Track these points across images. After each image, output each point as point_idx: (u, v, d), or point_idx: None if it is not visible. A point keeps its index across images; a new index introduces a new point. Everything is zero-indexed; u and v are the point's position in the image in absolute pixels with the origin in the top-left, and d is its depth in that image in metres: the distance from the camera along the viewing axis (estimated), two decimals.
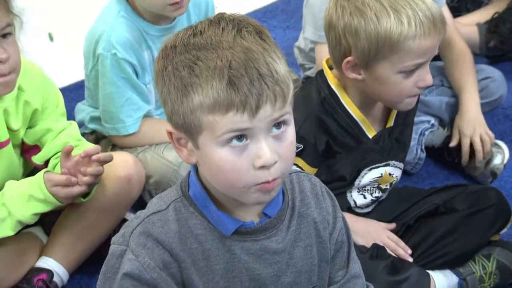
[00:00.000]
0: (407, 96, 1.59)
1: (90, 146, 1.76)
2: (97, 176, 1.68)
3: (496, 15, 2.49)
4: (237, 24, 1.09)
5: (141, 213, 1.19)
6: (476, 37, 2.44)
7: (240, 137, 1.07)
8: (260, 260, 1.20)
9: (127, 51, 1.94)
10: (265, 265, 1.21)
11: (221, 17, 1.11)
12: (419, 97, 1.80)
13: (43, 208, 1.68)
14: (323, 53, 1.87)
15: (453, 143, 2.16)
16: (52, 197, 1.65)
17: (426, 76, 1.56)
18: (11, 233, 1.68)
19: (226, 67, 1.04)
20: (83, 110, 2.16)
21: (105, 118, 2.03)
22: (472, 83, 2.18)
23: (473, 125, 2.13)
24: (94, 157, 1.66)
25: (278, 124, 1.09)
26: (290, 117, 1.11)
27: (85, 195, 1.74)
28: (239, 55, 1.05)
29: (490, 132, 2.14)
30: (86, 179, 1.66)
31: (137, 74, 1.99)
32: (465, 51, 2.23)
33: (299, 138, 1.61)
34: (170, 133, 1.14)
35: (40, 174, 1.67)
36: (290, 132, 1.11)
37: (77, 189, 1.66)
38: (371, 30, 1.52)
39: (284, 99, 1.08)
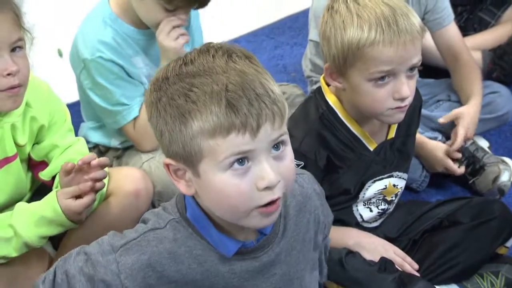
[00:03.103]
0: (386, 108, 1.58)
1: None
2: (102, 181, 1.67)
3: (500, 46, 2.48)
4: (226, 50, 1.10)
5: (140, 227, 1.19)
6: (479, 64, 2.43)
7: (242, 160, 1.07)
8: (259, 276, 1.21)
9: (113, 53, 1.94)
10: (264, 280, 1.22)
11: (209, 46, 1.12)
12: (419, 110, 1.80)
13: (50, 231, 1.67)
14: None
15: (443, 120, 2.16)
16: (63, 216, 1.64)
17: (401, 88, 1.55)
18: (14, 254, 1.67)
19: (223, 90, 1.05)
20: (83, 126, 2.18)
21: (104, 117, 2.03)
22: (478, 94, 2.18)
23: (468, 123, 2.13)
24: (93, 162, 1.65)
25: (277, 146, 1.09)
26: (287, 137, 1.12)
27: None
28: (234, 78, 1.06)
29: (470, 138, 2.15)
30: (97, 185, 1.65)
31: (129, 76, 1.99)
32: (473, 64, 2.24)
33: (300, 155, 1.62)
34: (167, 165, 1.13)
35: (52, 193, 1.67)
36: (289, 151, 1.12)
37: (87, 199, 1.65)
38: (338, 37, 1.55)
39: (282, 118, 1.08)
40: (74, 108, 2.09)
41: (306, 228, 1.28)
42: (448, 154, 2.14)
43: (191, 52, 1.12)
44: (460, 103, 2.24)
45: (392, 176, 1.76)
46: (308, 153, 1.63)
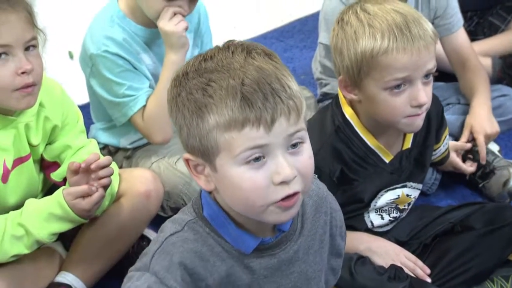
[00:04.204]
0: (403, 116, 1.58)
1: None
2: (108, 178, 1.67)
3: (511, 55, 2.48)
4: (246, 47, 1.11)
5: (158, 237, 1.18)
6: (489, 71, 2.42)
7: (257, 158, 1.07)
8: (278, 273, 1.21)
9: (119, 48, 1.95)
10: (283, 277, 1.22)
11: (230, 43, 1.13)
12: (438, 122, 1.79)
13: (61, 228, 1.68)
14: None
15: (462, 140, 2.15)
16: (72, 213, 1.65)
17: (417, 94, 1.55)
18: (26, 251, 1.68)
19: (239, 84, 1.06)
20: (93, 128, 2.20)
21: (112, 113, 2.03)
22: (483, 90, 2.18)
23: (482, 125, 2.12)
24: (92, 166, 1.65)
25: (295, 144, 1.09)
26: (305, 134, 1.12)
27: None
28: (251, 73, 1.07)
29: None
30: (102, 181, 1.65)
31: (136, 69, 2.00)
32: (480, 68, 2.24)
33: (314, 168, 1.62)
34: (187, 160, 1.14)
35: (58, 191, 1.68)
36: (307, 148, 1.12)
37: (96, 196, 1.65)
38: (350, 48, 1.55)
39: (298, 113, 1.09)
40: (84, 110, 2.10)
41: (323, 229, 1.28)
42: (456, 151, 2.12)
43: (212, 48, 1.13)
44: (469, 105, 2.24)
45: (405, 186, 1.76)
46: (322, 167, 1.63)
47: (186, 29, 1.93)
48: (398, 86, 1.55)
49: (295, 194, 1.10)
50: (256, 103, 1.05)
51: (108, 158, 1.69)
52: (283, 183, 1.08)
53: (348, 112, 1.65)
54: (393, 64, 1.52)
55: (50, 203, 1.66)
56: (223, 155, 1.08)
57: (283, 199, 1.09)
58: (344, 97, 1.65)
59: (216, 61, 1.09)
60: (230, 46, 1.11)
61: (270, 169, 1.08)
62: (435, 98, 1.69)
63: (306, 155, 1.11)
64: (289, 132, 1.08)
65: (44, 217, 1.65)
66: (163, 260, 1.14)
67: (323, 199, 1.29)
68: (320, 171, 1.62)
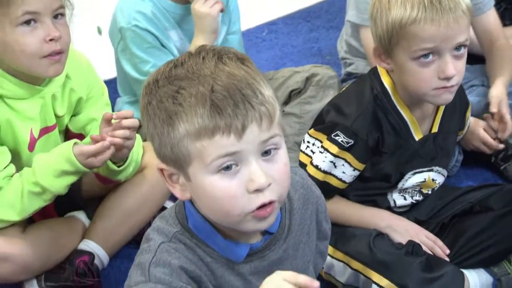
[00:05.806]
0: (431, 88, 1.59)
1: None
2: (125, 140, 1.68)
3: None
4: (217, 52, 1.08)
5: (149, 246, 1.14)
6: None
7: (230, 166, 1.05)
8: (269, 274, 1.15)
9: (149, 23, 1.98)
10: None
11: (201, 49, 1.10)
12: (464, 112, 1.79)
13: (74, 179, 1.70)
14: (368, 37, 1.92)
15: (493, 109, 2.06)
16: (83, 168, 1.66)
17: (445, 67, 1.56)
18: (45, 204, 1.71)
19: (208, 91, 1.03)
20: (119, 101, 2.23)
21: (136, 89, 2.07)
22: (505, 71, 2.14)
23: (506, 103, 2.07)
24: (118, 124, 1.66)
25: (269, 151, 1.07)
26: (280, 140, 1.09)
27: (118, 172, 1.77)
28: (221, 79, 1.04)
29: None
30: (115, 140, 1.65)
31: (163, 46, 2.03)
32: (507, 48, 2.22)
33: (351, 134, 1.65)
34: (161, 170, 1.12)
35: (68, 148, 1.67)
36: (282, 154, 1.09)
37: (108, 153, 1.66)
38: (383, 17, 1.58)
39: (271, 119, 1.06)
40: (111, 85, 2.14)
41: (310, 219, 1.26)
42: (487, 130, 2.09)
43: (183, 54, 1.11)
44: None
45: (432, 170, 1.77)
46: (360, 133, 1.64)
47: (222, 11, 1.96)
48: (425, 56, 1.56)
49: (270, 203, 1.07)
50: (226, 110, 1.02)
51: (133, 120, 1.69)
52: (258, 191, 1.05)
53: (387, 81, 1.67)
54: (421, 34, 1.54)
55: (61, 161, 1.67)
56: (195, 163, 1.06)
57: (259, 208, 1.07)
58: (385, 72, 1.67)
59: (186, 68, 1.07)
60: (201, 52, 1.09)
61: (244, 177, 1.05)
62: (461, 90, 1.69)
63: (281, 162, 1.08)
64: (262, 138, 1.05)
65: (57, 174, 1.67)
66: (163, 267, 1.11)
67: (308, 190, 1.27)
68: (356, 137, 1.65)
